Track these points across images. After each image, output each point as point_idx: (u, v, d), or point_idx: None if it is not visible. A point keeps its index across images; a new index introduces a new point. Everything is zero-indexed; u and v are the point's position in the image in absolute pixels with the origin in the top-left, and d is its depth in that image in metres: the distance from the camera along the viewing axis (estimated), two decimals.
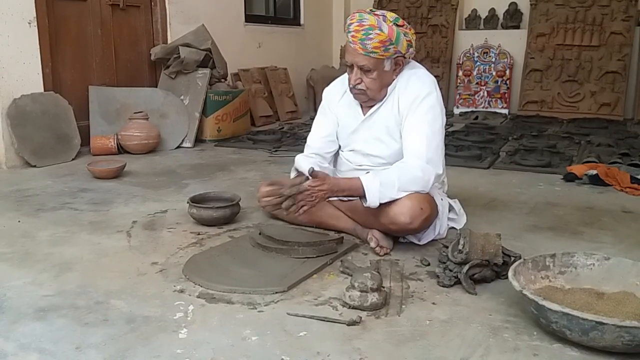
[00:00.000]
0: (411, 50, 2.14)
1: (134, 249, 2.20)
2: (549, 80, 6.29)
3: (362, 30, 2.03)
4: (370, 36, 2.02)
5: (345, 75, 2.29)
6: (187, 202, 2.47)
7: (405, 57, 2.15)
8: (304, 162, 2.27)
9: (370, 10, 2.13)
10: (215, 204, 2.48)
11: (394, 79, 2.17)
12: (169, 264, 2.02)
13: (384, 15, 2.08)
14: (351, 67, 2.13)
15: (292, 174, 2.30)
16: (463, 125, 5.47)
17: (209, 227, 2.43)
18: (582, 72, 6.15)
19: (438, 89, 2.19)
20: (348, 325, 1.56)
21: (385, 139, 2.22)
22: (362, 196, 2.01)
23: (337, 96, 2.35)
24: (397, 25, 2.07)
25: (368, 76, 2.11)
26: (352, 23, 2.07)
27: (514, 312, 1.64)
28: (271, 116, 5.84)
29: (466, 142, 4.38)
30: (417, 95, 2.12)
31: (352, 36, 2.06)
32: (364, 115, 2.26)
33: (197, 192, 3.06)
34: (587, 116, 5.89)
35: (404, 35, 2.08)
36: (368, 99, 2.19)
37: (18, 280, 1.88)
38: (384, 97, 2.19)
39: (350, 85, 2.17)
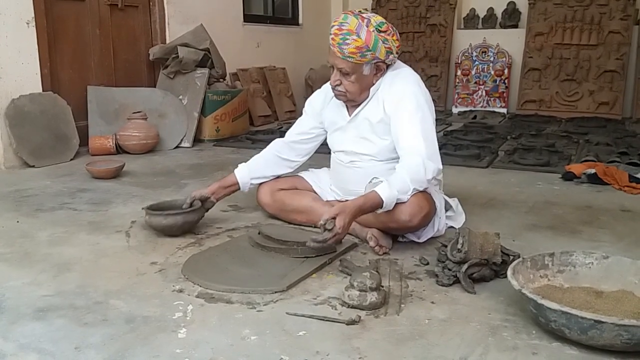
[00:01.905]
0: (391, 57, 2.15)
1: (132, 249, 2.20)
2: (547, 80, 6.30)
3: (340, 34, 2.06)
4: (347, 41, 2.05)
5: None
6: (142, 209, 2.35)
7: (385, 63, 2.16)
8: (250, 165, 2.50)
9: (359, 11, 2.13)
10: (178, 211, 2.29)
11: (374, 83, 2.20)
12: (168, 264, 2.02)
13: (368, 19, 2.08)
14: (332, 67, 2.18)
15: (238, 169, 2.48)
16: (462, 125, 5.47)
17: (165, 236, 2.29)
18: (580, 71, 6.16)
19: (423, 85, 2.22)
20: (347, 324, 1.56)
21: (371, 137, 2.24)
22: (380, 207, 1.99)
23: (320, 103, 2.42)
24: (380, 31, 2.07)
25: (347, 79, 2.15)
26: (334, 25, 2.10)
27: (513, 311, 1.64)
28: (270, 116, 5.84)
29: (465, 141, 4.38)
30: (402, 95, 2.14)
31: (332, 39, 2.09)
32: (350, 115, 2.29)
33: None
34: (585, 115, 5.91)
35: (384, 42, 2.08)
36: (348, 100, 2.24)
37: (17, 280, 1.88)
38: (366, 98, 2.22)
39: (331, 86, 2.22)
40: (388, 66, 2.20)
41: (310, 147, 2.52)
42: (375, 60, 2.12)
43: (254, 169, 2.48)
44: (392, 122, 2.16)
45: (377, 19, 2.11)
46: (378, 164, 2.24)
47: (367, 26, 2.06)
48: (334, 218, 1.90)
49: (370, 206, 1.97)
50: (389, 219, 2.05)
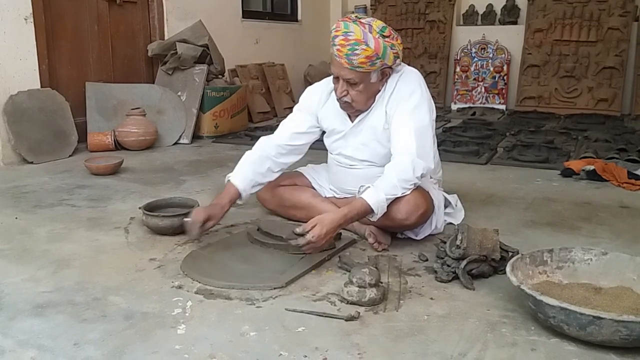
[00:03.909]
0: (398, 61, 2.09)
1: (131, 245, 2.20)
2: (546, 76, 6.30)
3: (347, 45, 1.97)
4: (357, 52, 1.96)
5: (330, 78, 2.28)
6: (139, 208, 2.35)
7: (392, 68, 2.12)
8: (245, 172, 2.19)
9: (356, 17, 2.06)
10: (175, 211, 2.31)
11: (380, 89, 2.14)
12: (167, 260, 2.02)
13: (369, 25, 2.00)
14: (337, 78, 2.09)
15: (227, 178, 2.18)
16: (460, 121, 5.47)
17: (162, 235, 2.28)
18: (579, 67, 6.15)
19: (424, 84, 2.17)
20: (346, 320, 1.56)
21: (374, 145, 2.20)
22: (370, 212, 1.96)
23: (320, 99, 2.29)
24: (384, 36, 2.00)
25: (354, 89, 2.07)
26: (337, 36, 2.00)
27: (512, 307, 1.64)
28: (269, 112, 5.83)
29: (464, 138, 4.38)
30: (403, 95, 2.11)
31: (338, 50, 1.99)
32: (352, 122, 2.23)
33: (195, 188, 3.06)
34: (584, 112, 5.90)
35: (391, 48, 2.01)
36: (355, 110, 2.17)
37: (16, 276, 1.88)
38: (372, 105, 2.17)
39: (337, 97, 2.13)
40: (391, 72, 2.14)
41: (304, 148, 2.36)
42: (383, 67, 2.06)
43: (250, 177, 2.21)
44: (391, 122, 2.13)
45: (377, 23, 2.03)
46: (377, 168, 2.20)
47: (371, 32, 1.98)
48: (313, 227, 1.85)
49: (357, 214, 1.94)
50: (385, 217, 2.03)
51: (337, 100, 2.16)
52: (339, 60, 2.02)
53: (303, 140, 2.34)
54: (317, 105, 2.30)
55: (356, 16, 2.07)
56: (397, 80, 2.14)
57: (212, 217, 2.05)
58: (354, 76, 2.04)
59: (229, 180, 2.18)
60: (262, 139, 2.35)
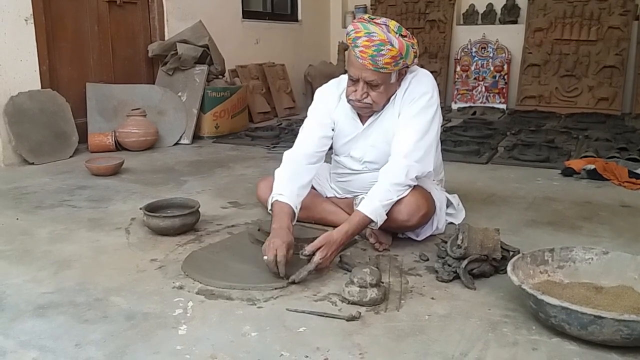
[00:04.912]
0: (416, 60, 2.08)
1: (132, 245, 2.20)
2: (546, 75, 6.30)
3: (372, 46, 1.93)
4: (382, 52, 1.93)
5: (340, 78, 2.27)
6: (140, 209, 2.36)
7: (408, 67, 2.11)
8: (289, 188, 2.03)
9: (369, 17, 2.04)
10: (175, 212, 2.32)
11: (397, 89, 2.13)
12: (168, 261, 2.02)
13: (386, 25, 1.98)
14: (356, 81, 2.05)
15: (271, 200, 2.03)
16: (461, 121, 5.46)
17: (163, 236, 2.28)
18: (580, 66, 6.15)
19: (436, 87, 2.16)
20: (347, 320, 1.56)
21: (382, 147, 2.18)
22: (370, 222, 1.96)
23: (334, 101, 2.24)
24: (402, 36, 1.99)
25: (375, 90, 2.04)
26: (358, 37, 1.96)
27: (513, 306, 1.64)
28: (269, 112, 5.83)
29: (464, 137, 4.38)
30: (414, 97, 2.10)
31: (361, 52, 1.95)
32: (363, 124, 2.20)
33: (196, 189, 3.07)
34: (585, 111, 5.90)
35: (412, 47, 2.00)
36: (370, 111, 2.15)
37: (17, 277, 1.88)
38: (385, 105, 2.15)
39: (354, 98, 2.08)
40: (407, 71, 2.13)
41: (326, 150, 2.26)
42: (403, 67, 2.04)
43: (296, 192, 2.05)
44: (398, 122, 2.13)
45: (392, 23, 2.01)
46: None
47: (390, 32, 1.96)
48: (318, 249, 1.82)
49: (357, 228, 1.92)
50: (387, 218, 2.03)
51: (351, 102, 2.12)
52: (361, 62, 1.98)
53: (328, 144, 2.25)
54: (333, 107, 2.25)
55: (369, 17, 2.05)
56: (410, 82, 2.13)
57: (289, 245, 1.84)
58: (376, 77, 2.01)
59: (276, 200, 2.00)
60: (286, 154, 2.18)
